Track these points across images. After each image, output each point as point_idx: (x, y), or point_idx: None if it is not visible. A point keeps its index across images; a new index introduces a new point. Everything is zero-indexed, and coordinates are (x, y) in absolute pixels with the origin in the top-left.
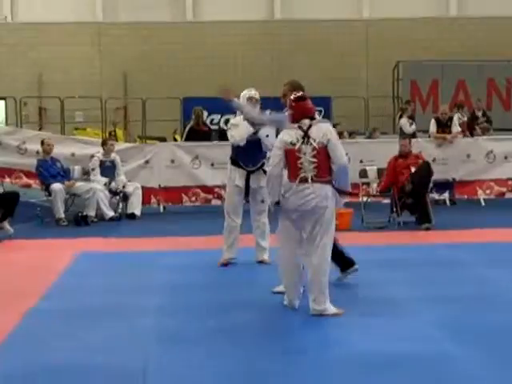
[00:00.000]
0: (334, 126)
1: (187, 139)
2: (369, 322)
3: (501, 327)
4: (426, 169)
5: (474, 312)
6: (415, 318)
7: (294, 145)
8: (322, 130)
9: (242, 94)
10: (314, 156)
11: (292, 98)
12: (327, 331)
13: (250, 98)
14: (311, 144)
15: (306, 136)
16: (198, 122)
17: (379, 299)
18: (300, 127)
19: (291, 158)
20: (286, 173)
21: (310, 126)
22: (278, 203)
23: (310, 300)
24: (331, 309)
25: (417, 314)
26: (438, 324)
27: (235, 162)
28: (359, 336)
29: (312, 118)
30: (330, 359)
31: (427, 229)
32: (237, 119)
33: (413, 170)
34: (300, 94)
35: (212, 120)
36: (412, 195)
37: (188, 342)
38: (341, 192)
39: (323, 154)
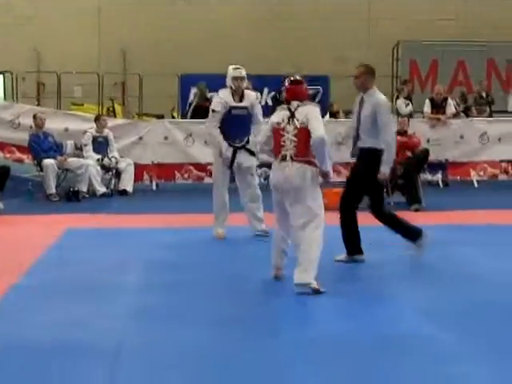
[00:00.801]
0: (331, 105)
1: (193, 117)
2: (348, 303)
3: (479, 306)
4: (423, 156)
5: (452, 292)
6: (395, 300)
7: (280, 124)
8: (305, 111)
9: (228, 69)
10: (295, 135)
11: (288, 80)
12: (306, 311)
13: (235, 78)
14: (294, 123)
15: (291, 116)
16: (203, 98)
17: (361, 280)
18: (289, 108)
19: (277, 136)
20: None
21: (297, 107)
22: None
23: (296, 270)
24: (314, 283)
25: (397, 295)
26: (417, 305)
27: (223, 134)
28: (337, 316)
29: (302, 102)
30: (306, 339)
31: (416, 210)
32: (216, 102)
33: (408, 153)
34: (297, 77)
35: (210, 97)
36: (403, 176)
37: (164, 320)
38: (323, 173)
39: (304, 134)
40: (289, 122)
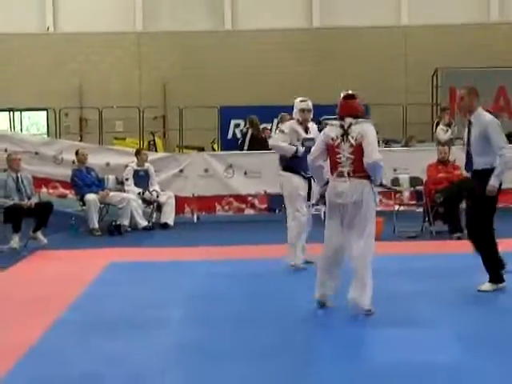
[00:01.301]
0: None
1: (250, 148)
2: (392, 333)
3: None
4: (464, 186)
5: (496, 323)
6: (437, 329)
7: (334, 141)
8: (360, 129)
9: (295, 102)
10: (351, 153)
11: (342, 94)
12: (347, 343)
13: (302, 110)
14: (349, 141)
15: (345, 134)
16: (258, 129)
17: (404, 309)
18: (342, 125)
19: (331, 153)
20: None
21: (350, 125)
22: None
23: (351, 288)
24: (368, 303)
25: (439, 324)
26: (458, 335)
27: (292, 169)
28: (379, 347)
29: (356, 117)
30: (348, 372)
31: (458, 238)
32: (286, 125)
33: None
34: (350, 92)
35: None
36: (444, 204)
37: (206, 354)
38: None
39: (360, 152)
40: (343, 140)
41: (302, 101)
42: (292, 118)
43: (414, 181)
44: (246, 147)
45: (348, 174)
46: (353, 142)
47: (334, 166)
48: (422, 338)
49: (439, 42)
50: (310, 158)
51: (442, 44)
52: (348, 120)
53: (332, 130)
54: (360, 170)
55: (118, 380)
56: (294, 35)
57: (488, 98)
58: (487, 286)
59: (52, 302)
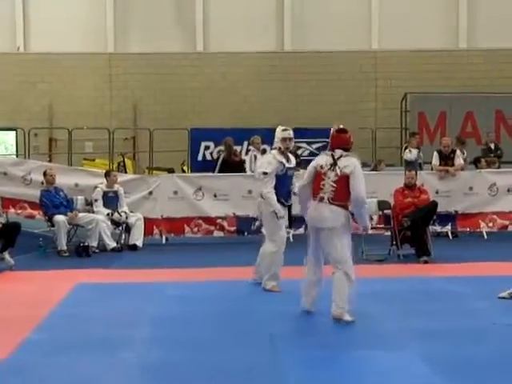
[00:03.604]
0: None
1: (220, 171)
2: (359, 355)
3: (488, 361)
4: (431, 209)
5: (462, 345)
6: (404, 352)
7: (322, 168)
8: (348, 162)
9: (276, 131)
10: (335, 181)
11: (334, 128)
12: (316, 367)
13: (283, 139)
14: (335, 171)
15: (334, 164)
16: (230, 152)
17: (370, 332)
18: (332, 155)
19: (317, 178)
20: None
21: (340, 156)
22: None
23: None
24: (347, 316)
25: (406, 347)
26: (426, 358)
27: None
28: (347, 371)
29: (346, 150)
30: None
31: (425, 262)
32: (269, 157)
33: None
34: (342, 126)
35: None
36: (411, 228)
37: (171, 377)
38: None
39: (343, 182)
40: (330, 168)
41: (284, 130)
42: (258, 143)
43: (382, 204)
44: (216, 171)
45: (328, 200)
46: (338, 171)
47: (317, 191)
48: (389, 361)
49: (409, 67)
50: (301, 184)
51: (411, 69)
52: (338, 152)
53: (323, 158)
54: (340, 199)
55: None
56: (266, 58)
57: (456, 123)
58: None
59: (19, 323)
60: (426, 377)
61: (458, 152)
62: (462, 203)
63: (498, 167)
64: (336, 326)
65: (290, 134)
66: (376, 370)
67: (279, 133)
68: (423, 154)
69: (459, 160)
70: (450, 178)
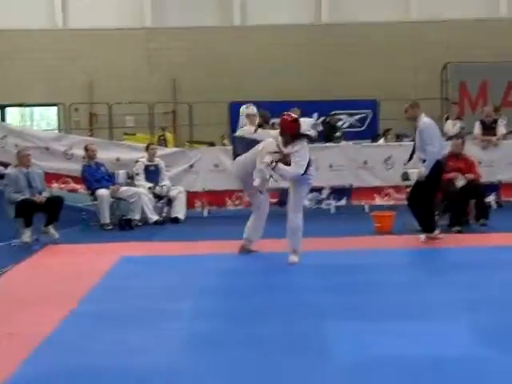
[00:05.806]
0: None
1: None
2: (402, 326)
3: None
4: (471, 190)
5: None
6: (447, 322)
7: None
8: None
9: (241, 109)
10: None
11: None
12: (360, 335)
13: (247, 115)
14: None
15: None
16: (267, 124)
17: (413, 302)
18: None
19: None
20: None
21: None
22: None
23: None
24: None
25: (449, 318)
26: (470, 328)
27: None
28: (391, 340)
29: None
30: (360, 362)
31: (458, 231)
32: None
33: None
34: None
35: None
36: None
37: (215, 348)
38: None
39: None
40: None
41: (246, 108)
42: (298, 115)
43: None
44: None
45: None
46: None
47: None
48: (433, 332)
49: (448, 36)
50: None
51: (451, 39)
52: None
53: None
54: None
55: (131, 371)
56: (303, 31)
57: (498, 92)
58: (423, 237)
59: (65, 296)
60: (469, 346)
61: (500, 121)
62: (505, 173)
63: None
64: (383, 298)
65: (253, 110)
66: (425, 340)
67: (243, 111)
68: (465, 125)
69: (502, 129)
70: (492, 148)
